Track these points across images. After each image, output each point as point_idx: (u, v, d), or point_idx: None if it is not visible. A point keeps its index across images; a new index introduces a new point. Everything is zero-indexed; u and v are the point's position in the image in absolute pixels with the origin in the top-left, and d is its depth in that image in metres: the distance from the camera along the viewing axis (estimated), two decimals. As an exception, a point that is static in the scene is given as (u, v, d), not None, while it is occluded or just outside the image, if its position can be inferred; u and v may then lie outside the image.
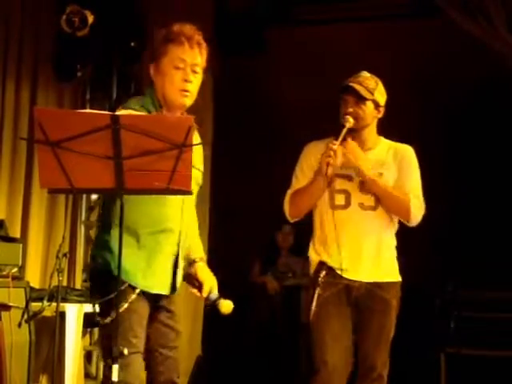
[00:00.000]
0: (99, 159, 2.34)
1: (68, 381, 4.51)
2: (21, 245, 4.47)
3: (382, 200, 3.44)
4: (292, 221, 3.64)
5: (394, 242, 3.56)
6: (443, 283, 5.31)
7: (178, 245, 2.91)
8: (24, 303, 4.16)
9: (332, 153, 3.35)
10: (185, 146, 2.35)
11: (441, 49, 5.87)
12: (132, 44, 5.04)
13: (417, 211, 3.47)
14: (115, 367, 2.52)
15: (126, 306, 2.76)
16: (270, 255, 6.37)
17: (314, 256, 3.54)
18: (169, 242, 2.88)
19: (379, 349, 3.48)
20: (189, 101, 2.93)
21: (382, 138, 3.59)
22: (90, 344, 5.47)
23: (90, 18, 4.85)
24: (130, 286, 2.77)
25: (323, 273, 3.45)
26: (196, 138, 2.82)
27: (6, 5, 5.17)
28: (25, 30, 5.27)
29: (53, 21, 5.01)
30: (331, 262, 3.46)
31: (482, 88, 5.83)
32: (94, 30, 4.90)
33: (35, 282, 4.90)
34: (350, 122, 3.42)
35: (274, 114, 6.43)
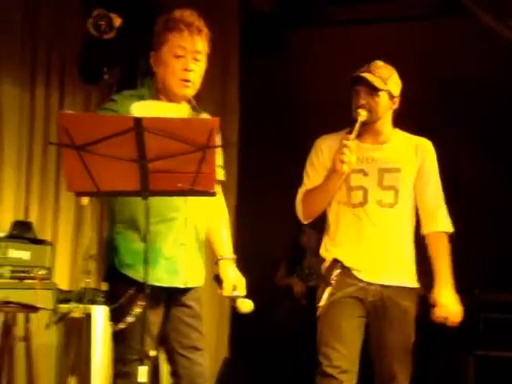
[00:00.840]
0: (123, 162, 2.33)
1: (96, 382, 4.53)
2: (49, 247, 4.50)
3: None
4: (305, 222, 3.41)
5: (412, 244, 3.35)
6: (471, 286, 5.26)
7: (185, 234, 2.80)
8: (52, 305, 4.19)
9: (346, 150, 3.16)
10: (208, 147, 2.32)
11: (469, 48, 5.83)
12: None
13: (449, 223, 3.34)
14: (142, 369, 2.47)
15: (136, 311, 2.67)
16: (295, 256, 6.35)
17: (326, 254, 3.33)
18: (172, 232, 2.78)
19: (401, 359, 3.26)
20: (190, 91, 2.85)
21: (398, 130, 3.39)
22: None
23: (117, 21, 4.87)
24: (139, 288, 2.63)
25: (337, 271, 3.25)
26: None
27: (34, 10, 5.22)
28: (52, 34, 5.32)
29: (79, 25, 5.04)
30: (347, 262, 3.26)
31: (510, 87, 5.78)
32: (121, 33, 4.92)
33: (63, 284, 4.93)
34: (362, 115, 3.22)
35: (299, 115, 6.42)
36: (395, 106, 3.34)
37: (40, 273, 4.27)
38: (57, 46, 5.35)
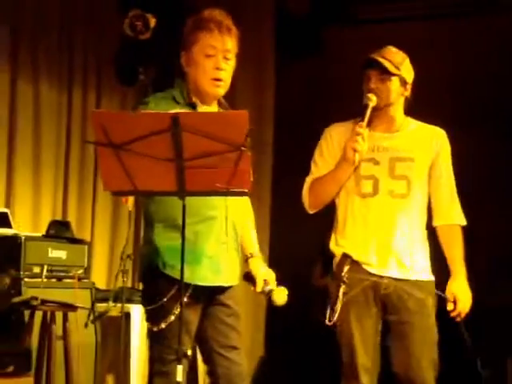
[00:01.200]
0: (159, 160, 2.33)
1: (134, 381, 4.56)
2: (87, 246, 4.53)
3: None
4: (311, 212, 3.31)
5: (425, 236, 3.25)
6: (509, 285, 5.21)
7: (226, 233, 2.82)
8: (90, 304, 4.23)
9: (360, 138, 3.07)
10: (245, 146, 2.31)
11: (504, 47, 5.76)
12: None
13: (463, 216, 3.27)
14: (180, 367, 2.48)
15: (177, 310, 2.66)
16: (330, 256, 6.32)
17: (335, 249, 3.27)
18: (213, 231, 2.79)
19: (426, 356, 3.13)
20: (222, 90, 2.86)
21: (411, 119, 3.30)
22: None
23: (152, 22, 4.89)
24: (179, 288, 2.60)
25: (347, 267, 3.19)
26: None
27: (70, 12, 5.28)
28: (89, 36, 5.37)
29: (116, 25, 5.09)
30: (357, 256, 3.18)
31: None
32: (156, 33, 4.95)
33: (101, 283, 4.97)
34: (372, 100, 3.13)
35: (335, 115, 6.39)
36: (407, 94, 3.24)
37: (78, 272, 4.31)
38: (93, 47, 5.40)
